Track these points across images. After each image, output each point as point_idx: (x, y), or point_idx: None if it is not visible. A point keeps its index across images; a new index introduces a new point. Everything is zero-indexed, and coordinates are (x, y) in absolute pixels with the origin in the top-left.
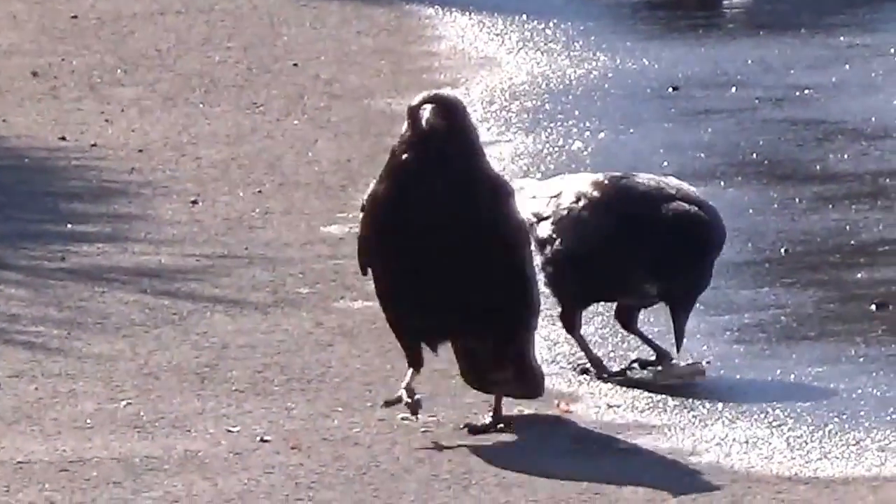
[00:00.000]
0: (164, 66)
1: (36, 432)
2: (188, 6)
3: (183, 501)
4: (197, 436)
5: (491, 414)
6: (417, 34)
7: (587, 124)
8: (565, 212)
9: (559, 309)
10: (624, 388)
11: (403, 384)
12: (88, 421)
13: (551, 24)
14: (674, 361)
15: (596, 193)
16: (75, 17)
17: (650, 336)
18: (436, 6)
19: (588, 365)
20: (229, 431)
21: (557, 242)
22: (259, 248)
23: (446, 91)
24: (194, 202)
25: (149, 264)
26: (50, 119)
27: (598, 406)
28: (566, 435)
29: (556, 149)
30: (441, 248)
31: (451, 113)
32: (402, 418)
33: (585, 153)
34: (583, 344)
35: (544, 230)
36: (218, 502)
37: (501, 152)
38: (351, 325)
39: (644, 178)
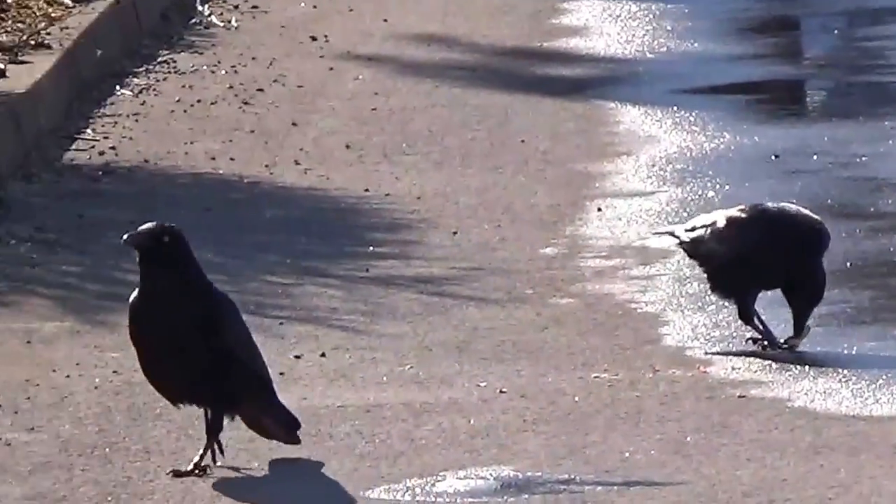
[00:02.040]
0: (434, 141)
1: (349, 386)
2: (451, 103)
3: (448, 432)
4: (457, 388)
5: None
6: (604, 120)
7: (718, 180)
8: (725, 229)
9: (735, 307)
10: (743, 356)
11: (196, 458)
12: (384, 378)
13: (693, 113)
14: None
15: (743, 215)
16: (374, 108)
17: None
18: (616, 101)
19: (765, 342)
20: (479, 385)
21: (723, 253)
22: (497, 263)
23: (163, 222)
24: (455, 233)
25: (424, 274)
26: (358, 177)
27: (725, 368)
28: (704, 387)
29: (697, 197)
30: (166, 339)
31: (171, 234)
32: (595, 377)
33: (716, 200)
34: (762, 327)
35: (707, 247)
36: (472, 433)
37: (660, 200)
38: (560, 315)
39: (771, 204)
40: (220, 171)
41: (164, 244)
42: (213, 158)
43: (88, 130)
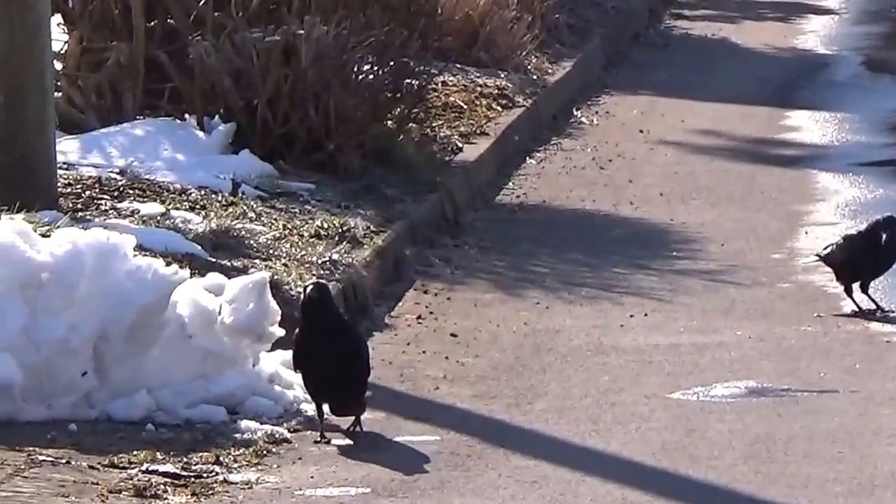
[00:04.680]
0: (711, 191)
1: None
2: (718, 169)
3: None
4: None
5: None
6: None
7: None
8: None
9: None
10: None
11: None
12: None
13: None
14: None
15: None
16: (676, 172)
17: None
18: (827, 172)
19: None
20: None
21: (841, 254)
22: None
23: (321, 281)
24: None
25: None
26: (667, 211)
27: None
28: None
29: None
30: (327, 358)
31: (322, 290)
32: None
33: None
34: (861, 300)
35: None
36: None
37: None
38: None
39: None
40: (587, 207)
41: (325, 297)
42: (583, 200)
43: (510, 183)
